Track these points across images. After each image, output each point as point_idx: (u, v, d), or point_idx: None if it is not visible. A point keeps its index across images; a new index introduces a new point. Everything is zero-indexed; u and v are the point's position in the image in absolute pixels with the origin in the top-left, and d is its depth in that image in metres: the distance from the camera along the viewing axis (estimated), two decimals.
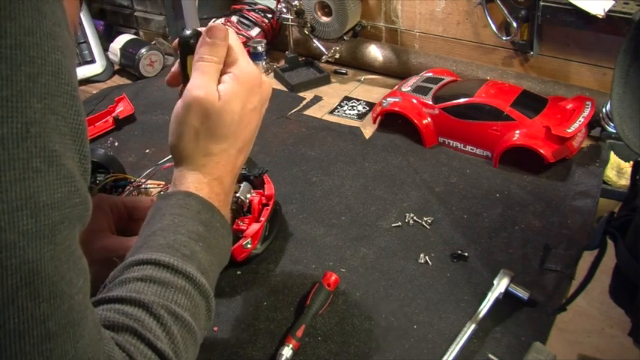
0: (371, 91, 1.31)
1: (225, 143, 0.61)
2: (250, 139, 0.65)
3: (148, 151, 1.14)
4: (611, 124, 1.04)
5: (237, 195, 0.85)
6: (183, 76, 0.63)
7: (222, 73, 0.62)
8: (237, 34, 1.40)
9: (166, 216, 0.56)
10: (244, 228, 0.84)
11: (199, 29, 0.63)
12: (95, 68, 1.42)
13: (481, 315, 0.74)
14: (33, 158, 0.36)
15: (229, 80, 0.61)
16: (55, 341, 0.38)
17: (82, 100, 1.43)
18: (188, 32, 0.62)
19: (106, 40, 1.49)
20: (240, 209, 0.86)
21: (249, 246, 0.83)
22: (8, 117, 0.35)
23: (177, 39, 0.64)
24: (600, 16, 0.99)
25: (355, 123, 1.20)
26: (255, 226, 0.84)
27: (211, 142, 0.60)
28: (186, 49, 0.63)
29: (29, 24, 0.36)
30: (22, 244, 0.35)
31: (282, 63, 1.41)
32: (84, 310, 0.41)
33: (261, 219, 0.86)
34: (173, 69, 0.65)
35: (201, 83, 0.59)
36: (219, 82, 0.61)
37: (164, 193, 0.60)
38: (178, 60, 0.65)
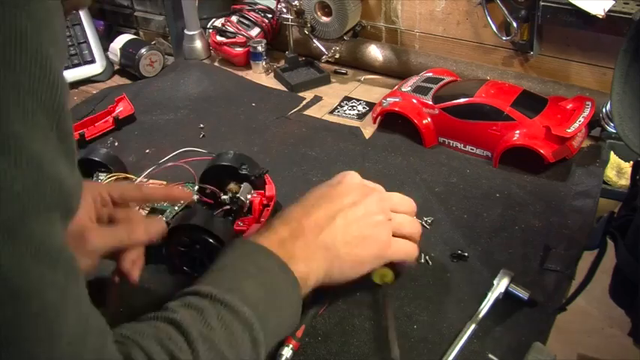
0: (371, 91, 1.31)
1: None
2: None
3: (148, 151, 1.14)
4: (611, 124, 1.04)
5: (238, 195, 0.85)
6: None
7: None
8: (237, 33, 1.41)
9: (227, 258, 0.63)
10: (244, 229, 0.84)
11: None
12: (95, 68, 1.42)
13: (481, 315, 0.74)
14: None
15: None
16: (24, 344, 0.34)
17: (82, 101, 1.41)
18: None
19: (106, 40, 1.48)
20: (240, 210, 0.86)
21: None
22: None
23: None
24: (600, 16, 0.99)
25: (355, 123, 1.20)
26: (255, 227, 0.84)
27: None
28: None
29: None
30: None
31: (282, 63, 1.41)
32: (62, 307, 0.37)
33: (262, 220, 0.86)
34: None
35: None
36: None
37: (239, 240, 0.69)
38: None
